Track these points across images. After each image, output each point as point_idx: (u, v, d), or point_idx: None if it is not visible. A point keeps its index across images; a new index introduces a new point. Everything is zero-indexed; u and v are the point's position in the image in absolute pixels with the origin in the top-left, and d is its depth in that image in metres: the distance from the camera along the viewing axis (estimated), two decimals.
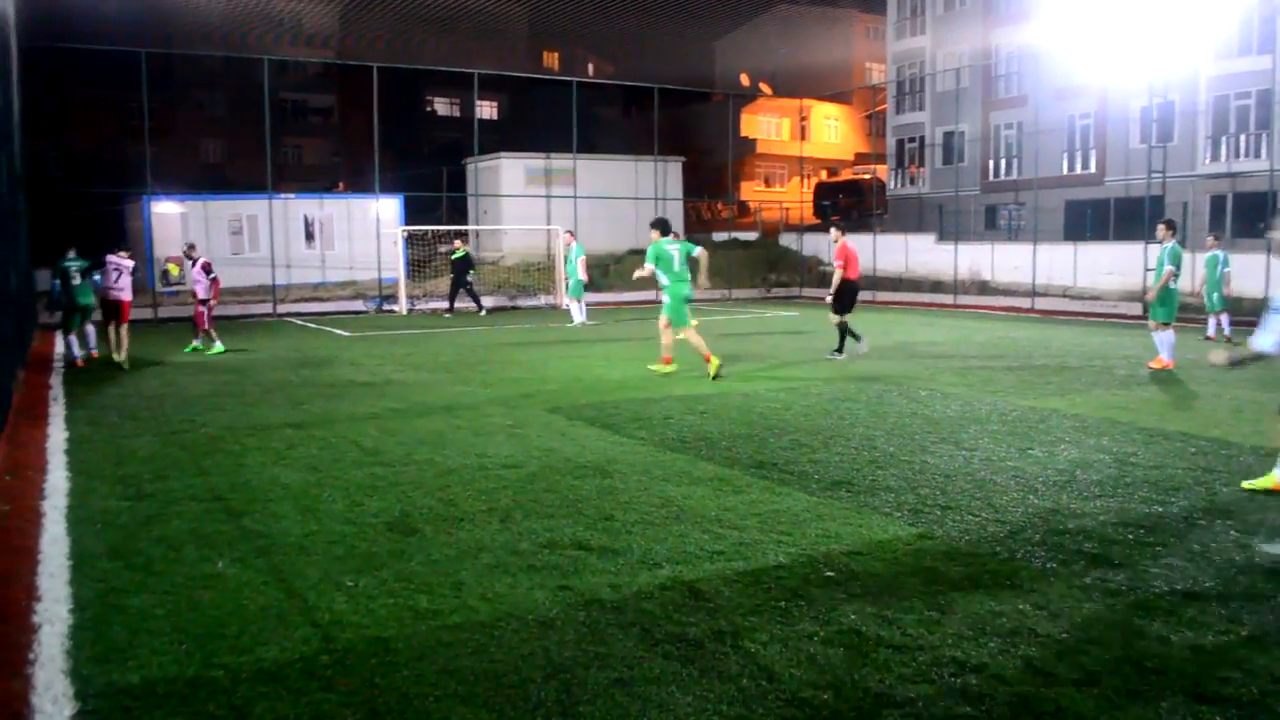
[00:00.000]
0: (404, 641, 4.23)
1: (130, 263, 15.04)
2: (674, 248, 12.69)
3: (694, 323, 13.14)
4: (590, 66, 61.98)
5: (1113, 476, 7.18)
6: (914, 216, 38.31)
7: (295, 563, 5.30)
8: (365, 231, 28.79)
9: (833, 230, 15.42)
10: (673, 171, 37.33)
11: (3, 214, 11.38)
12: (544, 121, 40.00)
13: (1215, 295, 17.17)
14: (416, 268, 29.13)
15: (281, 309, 26.08)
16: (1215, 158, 30.71)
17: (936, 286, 31.03)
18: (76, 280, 14.61)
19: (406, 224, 29.58)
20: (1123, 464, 7.58)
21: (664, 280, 12.66)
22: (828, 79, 50.86)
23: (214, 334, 16.31)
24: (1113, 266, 26.67)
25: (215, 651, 4.13)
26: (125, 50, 27.09)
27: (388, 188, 31.76)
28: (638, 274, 13.26)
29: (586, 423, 9.43)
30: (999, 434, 8.80)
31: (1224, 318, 17.25)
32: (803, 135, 47.80)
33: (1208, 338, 17.31)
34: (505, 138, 46.15)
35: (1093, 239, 30.75)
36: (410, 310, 26.53)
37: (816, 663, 4.01)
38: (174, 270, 16.72)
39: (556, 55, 63.15)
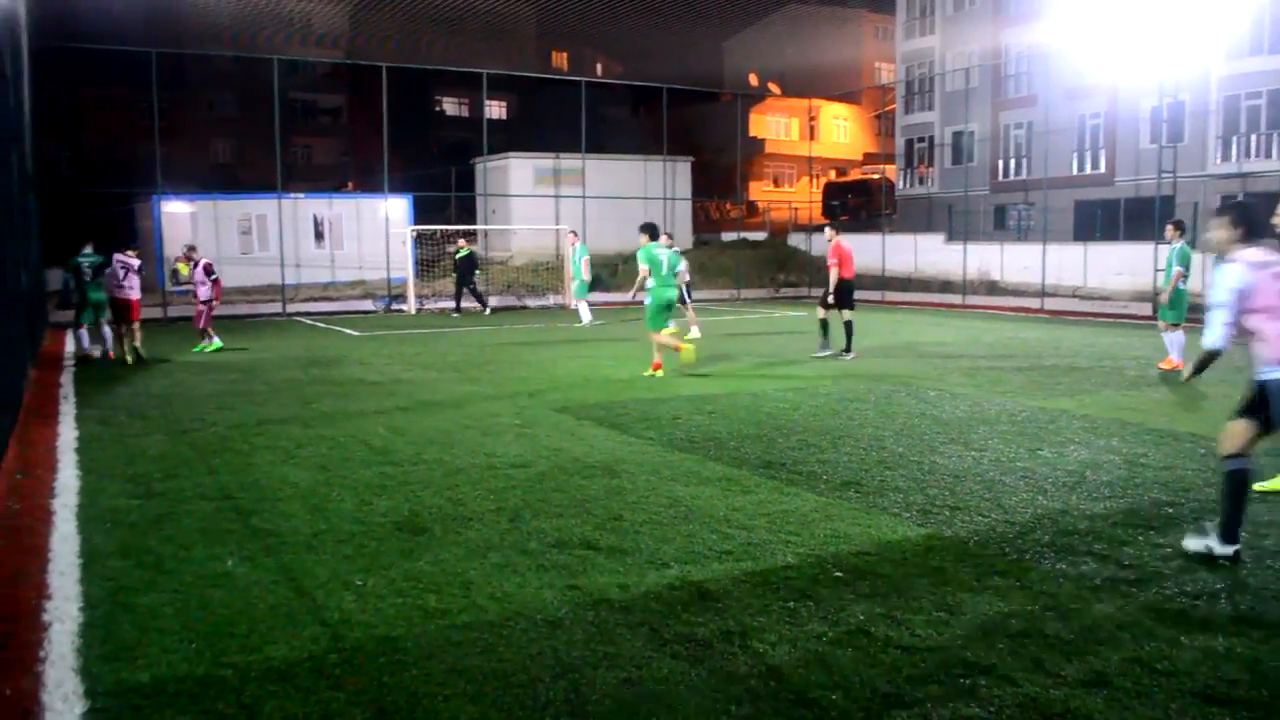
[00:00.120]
0: (412, 640, 4.24)
1: (136, 261, 15.12)
2: (663, 253, 12.80)
3: (672, 329, 13.05)
4: (599, 66, 61.97)
5: (1123, 477, 7.16)
6: (923, 216, 38.24)
7: (304, 562, 5.31)
8: (374, 231, 28.86)
9: (827, 230, 15.58)
10: (681, 171, 37.32)
11: (13, 214, 11.44)
12: (553, 121, 40.08)
13: None
14: (425, 267, 29.18)
15: (291, 308, 26.15)
16: (1226, 158, 30.57)
17: (945, 287, 30.97)
18: (89, 276, 14.75)
19: (415, 224, 29.63)
20: (1133, 465, 7.55)
21: (649, 283, 12.76)
22: (837, 79, 50.78)
23: (211, 331, 16.44)
24: (1122, 267, 26.58)
25: (224, 650, 4.14)
26: (136, 50, 27.20)
27: (397, 187, 31.84)
28: (638, 282, 13.10)
29: (595, 422, 9.44)
30: (1008, 435, 8.78)
31: None
32: (811, 135, 47.72)
33: None
34: (514, 138, 46.19)
35: (1102, 239, 30.63)
36: (419, 310, 26.57)
37: (825, 663, 4.01)
38: (184, 270, 16.76)
39: (565, 55, 63.17)
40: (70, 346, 16.76)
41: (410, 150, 46.51)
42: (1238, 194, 29.84)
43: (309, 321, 23.68)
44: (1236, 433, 5.25)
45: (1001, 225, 37.73)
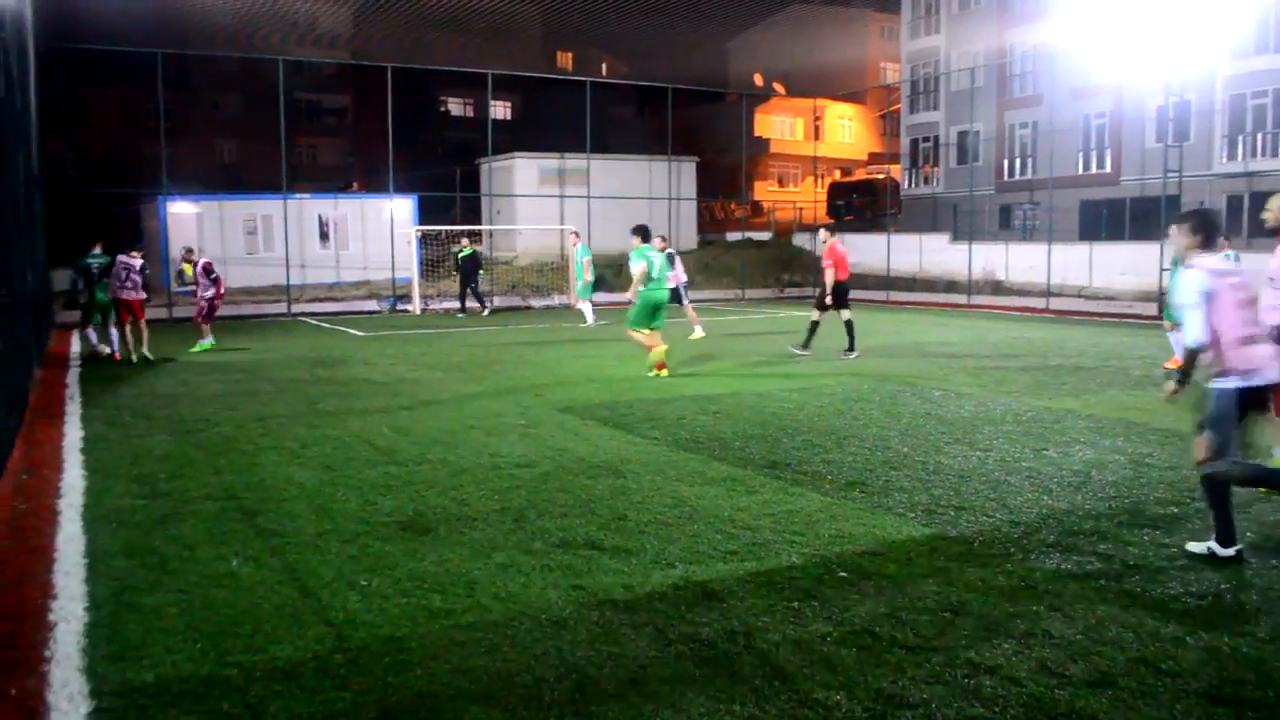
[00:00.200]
0: (417, 641, 4.24)
1: (138, 261, 15.15)
2: (655, 255, 12.83)
3: (648, 332, 13.00)
4: (604, 66, 61.94)
5: (1128, 477, 7.14)
6: (928, 216, 38.18)
7: (309, 562, 5.32)
8: (379, 231, 28.86)
9: (821, 231, 15.74)
10: (686, 171, 37.28)
11: (20, 215, 11.47)
12: (558, 122, 40.02)
13: None
14: (430, 267, 29.19)
15: (296, 309, 26.19)
16: (1232, 157, 30.50)
17: (951, 286, 30.92)
18: (97, 277, 14.88)
19: (420, 224, 29.64)
20: (1138, 465, 7.54)
21: (641, 284, 12.79)
22: (842, 79, 50.73)
23: (205, 329, 16.54)
24: (1128, 266, 26.50)
25: (229, 650, 4.15)
26: (141, 51, 27.25)
27: (402, 188, 31.84)
28: (637, 279, 13.06)
29: (599, 422, 9.44)
30: (1013, 434, 8.76)
31: None
32: (816, 135, 47.66)
33: None
34: (519, 138, 46.18)
35: (1108, 239, 30.58)
36: (424, 310, 26.59)
37: (829, 663, 4.00)
38: (189, 270, 16.84)
39: (570, 55, 63.13)
40: (77, 346, 16.81)
41: (415, 150, 46.53)
42: (1244, 194, 29.81)
43: (314, 322, 23.71)
44: (1201, 443, 5.34)
45: (1006, 225, 37.69)
